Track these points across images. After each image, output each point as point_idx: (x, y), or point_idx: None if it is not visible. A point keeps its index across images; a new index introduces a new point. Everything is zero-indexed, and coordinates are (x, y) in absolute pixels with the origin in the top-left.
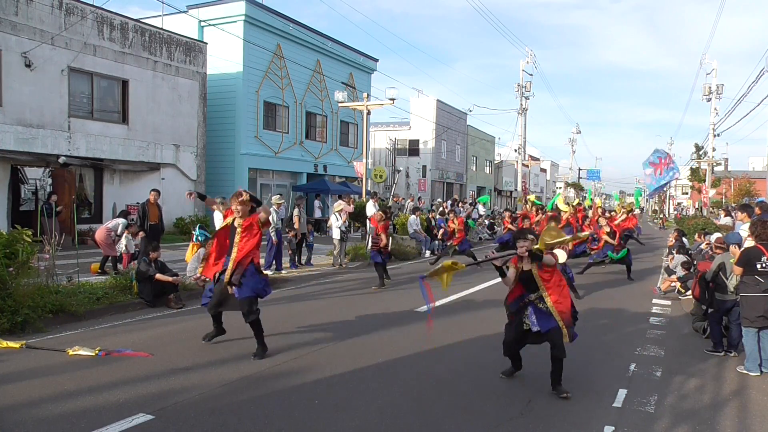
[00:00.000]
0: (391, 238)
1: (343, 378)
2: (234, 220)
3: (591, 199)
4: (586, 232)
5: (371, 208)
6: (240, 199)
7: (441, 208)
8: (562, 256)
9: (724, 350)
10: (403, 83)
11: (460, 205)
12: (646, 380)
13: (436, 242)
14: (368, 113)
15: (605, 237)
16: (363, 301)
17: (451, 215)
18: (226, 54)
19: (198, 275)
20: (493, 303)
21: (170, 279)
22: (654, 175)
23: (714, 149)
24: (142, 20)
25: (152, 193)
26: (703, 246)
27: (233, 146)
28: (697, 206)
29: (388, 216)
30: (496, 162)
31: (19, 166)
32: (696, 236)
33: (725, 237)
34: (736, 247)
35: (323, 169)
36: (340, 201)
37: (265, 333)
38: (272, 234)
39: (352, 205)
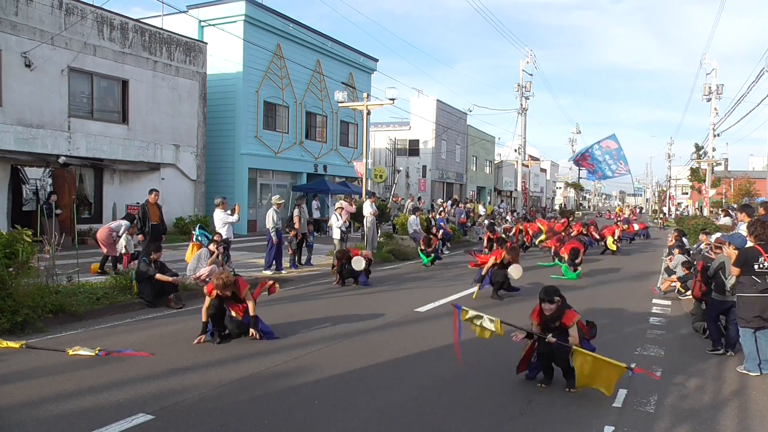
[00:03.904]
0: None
1: (343, 378)
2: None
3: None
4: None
5: (368, 208)
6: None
7: (441, 209)
8: (516, 271)
9: (723, 348)
10: (403, 83)
11: (460, 205)
12: (646, 380)
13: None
14: (368, 113)
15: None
16: (363, 301)
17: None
18: (226, 54)
19: (197, 275)
20: (493, 303)
21: (170, 279)
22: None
23: (714, 149)
24: (142, 20)
25: (152, 193)
26: (702, 246)
27: (233, 146)
28: (697, 206)
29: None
30: (496, 162)
31: (19, 166)
32: (701, 237)
33: (728, 237)
34: (732, 247)
35: (323, 169)
36: (342, 201)
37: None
38: (272, 234)
39: (354, 206)
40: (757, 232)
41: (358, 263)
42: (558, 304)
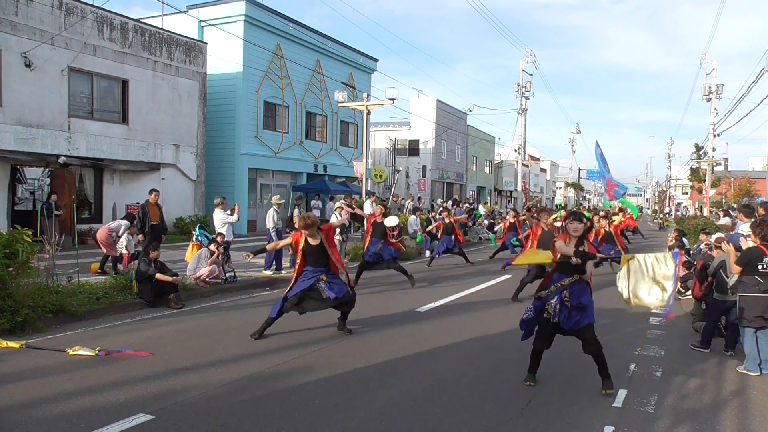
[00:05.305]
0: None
1: (343, 378)
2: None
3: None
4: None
5: (368, 208)
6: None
7: (441, 209)
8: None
9: (708, 349)
10: (403, 83)
11: (461, 205)
12: (646, 380)
13: (436, 242)
14: (368, 113)
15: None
16: (363, 301)
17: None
18: (226, 54)
19: (197, 275)
20: (493, 303)
21: (170, 279)
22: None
23: (714, 149)
24: (142, 20)
25: (152, 193)
26: (702, 246)
27: (233, 146)
28: (697, 206)
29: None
30: (496, 162)
31: (18, 166)
32: (701, 237)
33: (727, 237)
34: (730, 244)
35: (323, 169)
36: (342, 201)
37: (265, 333)
38: (273, 234)
39: (354, 206)
40: (764, 232)
41: (392, 221)
42: (586, 225)
